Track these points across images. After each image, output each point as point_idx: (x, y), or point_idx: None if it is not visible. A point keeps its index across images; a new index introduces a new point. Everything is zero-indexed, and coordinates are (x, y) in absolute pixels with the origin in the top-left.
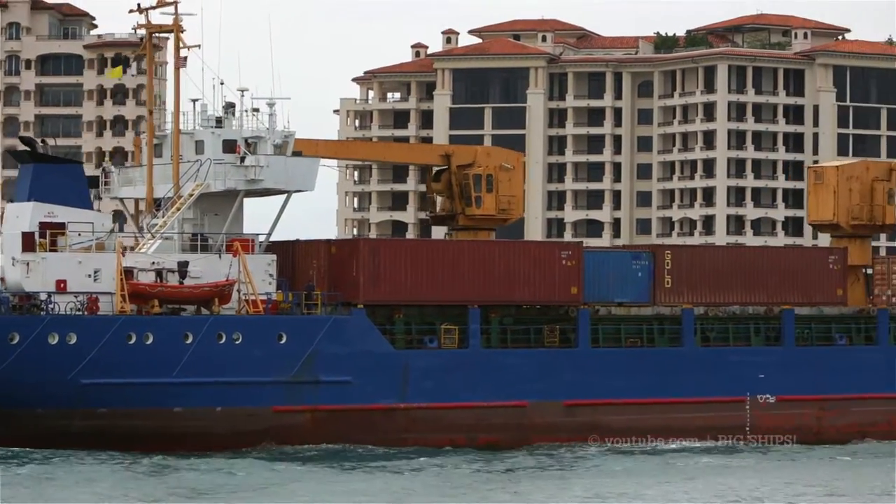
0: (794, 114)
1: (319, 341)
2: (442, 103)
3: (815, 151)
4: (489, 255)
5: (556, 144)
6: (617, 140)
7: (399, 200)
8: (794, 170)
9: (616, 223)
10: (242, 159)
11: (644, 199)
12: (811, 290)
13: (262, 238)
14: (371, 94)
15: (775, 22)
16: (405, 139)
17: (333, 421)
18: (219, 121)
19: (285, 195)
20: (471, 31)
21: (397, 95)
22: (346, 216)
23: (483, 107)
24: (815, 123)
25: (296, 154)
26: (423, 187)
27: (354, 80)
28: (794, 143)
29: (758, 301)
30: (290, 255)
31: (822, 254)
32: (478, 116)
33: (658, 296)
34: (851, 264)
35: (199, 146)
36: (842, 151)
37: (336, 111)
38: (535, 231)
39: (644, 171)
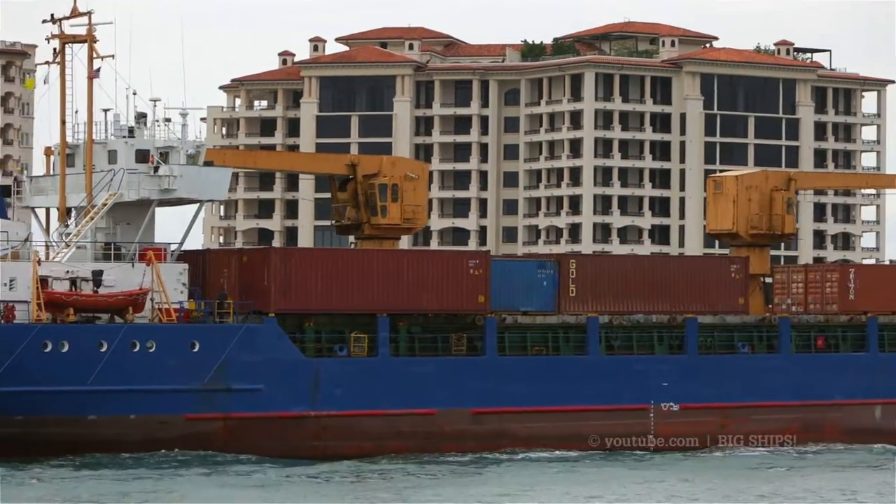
0: (661, 122)
1: (231, 350)
2: (308, 111)
3: (682, 160)
4: (398, 263)
5: (422, 152)
6: (483, 148)
7: (265, 208)
8: (661, 178)
9: (482, 231)
10: (156, 169)
11: (510, 207)
12: (713, 299)
13: (173, 247)
14: (238, 101)
15: (643, 30)
16: (271, 147)
17: (245, 429)
18: (131, 131)
19: (197, 204)
20: (338, 39)
21: (264, 103)
22: (212, 224)
23: (350, 115)
24: (683, 132)
25: (207, 164)
26: (289, 195)
27: (221, 87)
28: (661, 151)
29: (661, 310)
30: (200, 264)
31: (724, 263)
32: (344, 124)
33: (563, 304)
34: (752, 273)
35: (112, 156)
36: (709, 160)
37: (203, 119)
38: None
39: (510, 180)
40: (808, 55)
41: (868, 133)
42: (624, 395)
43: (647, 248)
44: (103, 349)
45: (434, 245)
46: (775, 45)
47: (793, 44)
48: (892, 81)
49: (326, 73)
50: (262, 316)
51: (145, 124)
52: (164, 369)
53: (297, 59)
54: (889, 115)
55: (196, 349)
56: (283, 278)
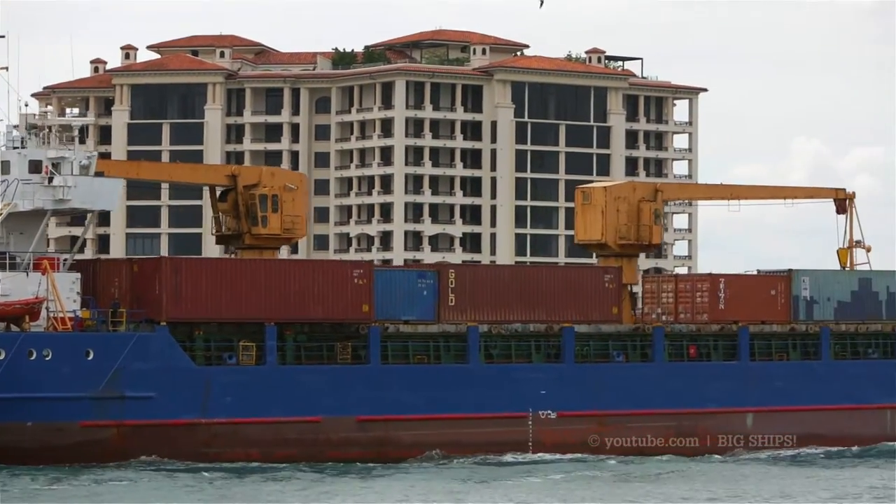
0: (472, 130)
1: (125, 358)
2: (120, 119)
3: (493, 167)
4: (285, 273)
5: (233, 160)
6: (294, 156)
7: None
8: (472, 186)
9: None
10: (50, 179)
11: (322, 215)
12: (588, 309)
13: (65, 257)
14: (49, 109)
15: (454, 38)
16: None
17: (138, 436)
18: (23, 141)
19: (90, 214)
20: (149, 47)
21: (76, 111)
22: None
23: (161, 122)
24: (494, 139)
25: (98, 174)
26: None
27: (33, 95)
28: (472, 159)
29: (538, 319)
30: (91, 274)
31: (598, 273)
32: (156, 132)
33: (442, 314)
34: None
35: (5, 166)
36: (520, 168)
37: (16, 126)
38: (212, 249)
39: (321, 187)
40: (620, 63)
41: (680, 141)
42: (503, 403)
43: (458, 256)
44: (0, 357)
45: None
46: (586, 53)
47: (604, 52)
48: (704, 90)
49: (138, 81)
50: (153, 324)
51: (37, 135)
52: (59, 377)
53: (108, 66)
54: (700, 123)
55: (90, 357)
56: (174, 287)
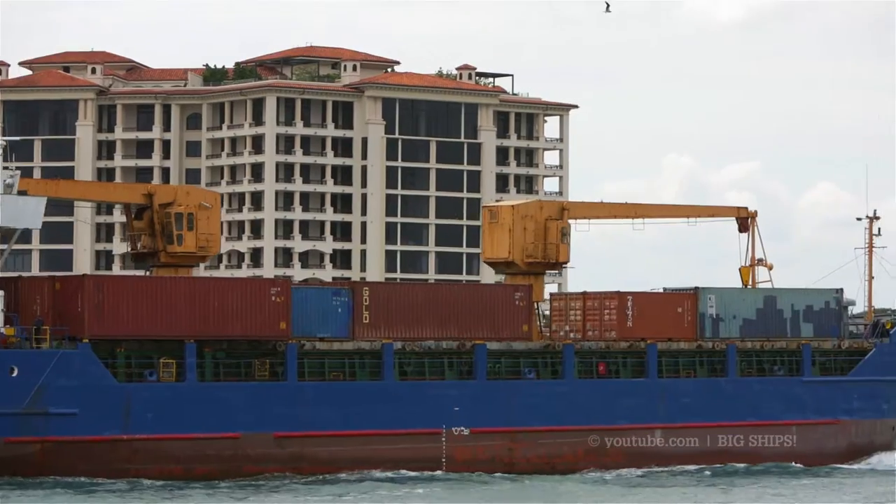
0: (343, 146)
1: (48, 375)
2: None
3: (364, 184)
4: (204, 291)
5: (104, 176)
6: (165, 172)
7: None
8: (343, 202)
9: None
10: None
11: None
12: (499, 326)
13: None
14: None
15: (325, 54)
16: None
17: (61, 452)
18: None
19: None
20: (21, 63)
21: None
22: None
23: (33, 139)
24: (364, 156)
25: (21, 193)
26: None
27: None
28: (343, 175)
29: (451, 336)
30: (13, 291)
31: (509, 291)
32: (27, 149)
33: (357, 331)
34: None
35: None
36: (390, 184)
37: None
38: (84, 265)
39: None
40: (491, 80)
41: (550, 158)
42: (417, 420)
43: (328, 272)
44: None
45: (116, 270)
46: (457, 69)
47: (475, 68)
48: (575, 106)
49: (9, 98)
50: (76, 342)
51: None
52: None
53: None
54: (571, 139)
55: (15, 374)
56: (96, 305)
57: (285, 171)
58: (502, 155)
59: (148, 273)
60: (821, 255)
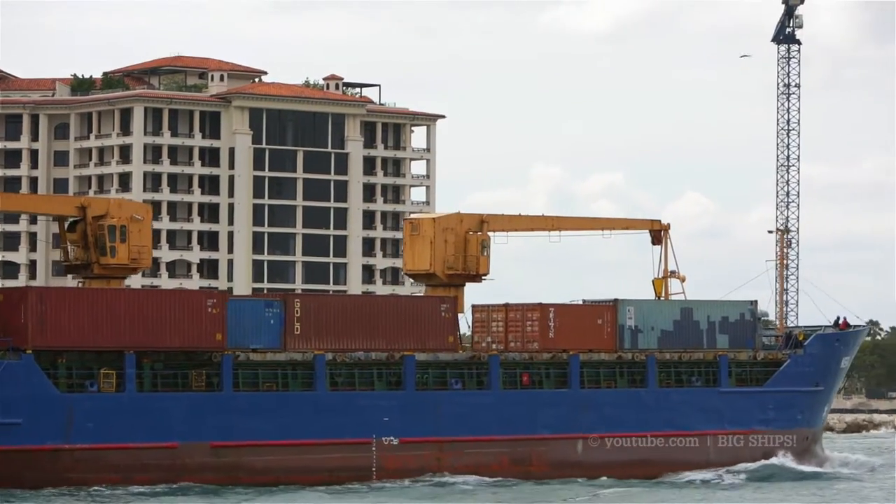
0: (210, 156)
1: None
2: None
3: (231, 194)
4: (143, 302)
5: None
6: (34, 182)
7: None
8: (210, 212)
9: (32, 265)
10: None
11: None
12: (426, 337)
13: None
14: None
15: (192, 64)
16: None
17: (6, 461)
18: None
19: None
20: None
21: None
22: None
23: None
24: (231, 166)
25: None
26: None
27: None
28: (210, 185)
29: (380, 347)
30: None
31: (436, 302)
32: None
33: (288, 342)
34: None
35: None
36: (258, 194)
37: None
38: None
39: None
40: (358, 90)
41: (417, 168)
42: (349, 430)
43: (195, 282)
44: None
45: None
46: (324, 79)
47: (342, 79)
48: (442, 116)
49: None
50: (19, 352)
51: None
52: None
53: None
54: (438, 149)
55: None
56: (39, 316)
57: (153, 181)
58: (369, 165)
59: (80, 284)
60: (690, 265)
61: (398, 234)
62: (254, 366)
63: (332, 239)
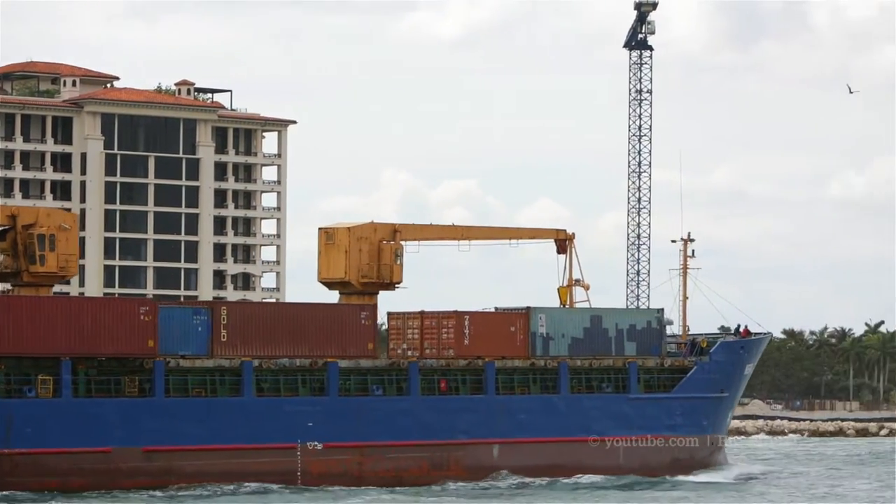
0: (62, 162)
1: None
2: None
3: (83, 199)
4: (79, 310)
5: None
6: None
7: None
8: None
9: None
10: None
11: None
12: (346, 344)
13: None
14: None
15: (44, 69)
16: None
17: None
18: None
19: None
20: None
21: None
22: None
23: None
24: (83, 171)
25: None
26: None
27: None
28: (62, 191)
29: (303, 354)
30: None
31: (356, 310)
32: None
33: (216, 349)
34: None
35: None
36: (109, 199)
37: None
38: None
39: None
40: (209, 95)
41: (268, 173)
42: (275, 435)
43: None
44: None
45: None
46: (176, 85)
47: (193, 84)
48: (293, 122)
49: None
50: None
51: None
52: None
53: None
54: (289, 155)
55: None
56: None
57: (5, 186)
58: (220, 170)
59: (9, 292)
60: (539, 269)
61: (249, 240)
62: (184, 372)
63: (183, 244)
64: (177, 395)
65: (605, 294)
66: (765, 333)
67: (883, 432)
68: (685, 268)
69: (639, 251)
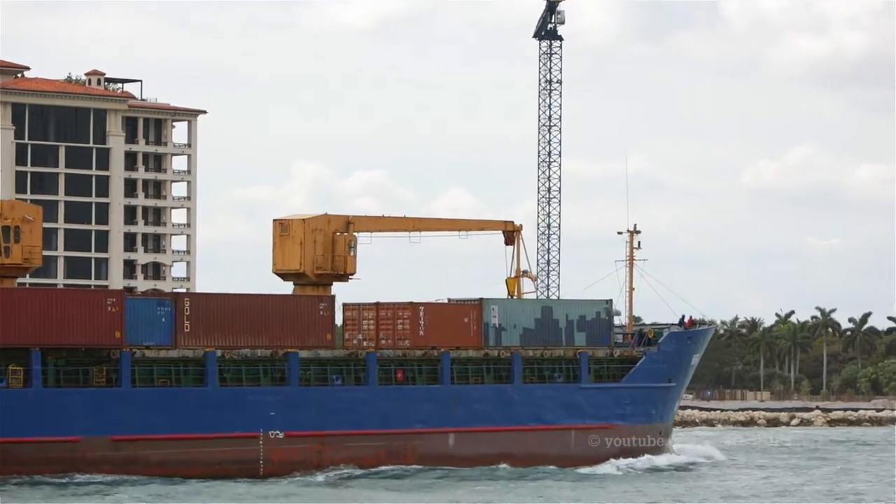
0: None
1: None
2: None
3: None
4: (48, 301)
5: None
6: None
7: None
8: None
9: None
10: None
11: None
12: (305, 335)
13: None
14: None
15: None
16: None
17: None
18: None
19: None
20: None
21: None
22: None
23: None
24: None
25: None
26: None
27: None
28: None
29: (263, 344)
30: None
31: (314, 301)
32: None
33: (179, 339)
34: None
35: None
36: (20, 189)
37: None
38: None
39: None
40: (119, 85)
41: (179, 163)
42: (238, 424)
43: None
44: None
45: None
46: (86, 75)
47: (104, 74)
48: (203, 112)
49: None
50: None
51: None
52: None
53: None
54: (200, 144)
55: None
56: None
57: None
58: (131, 160)
59: None
60: (454, 261)
61: (160, 230)
62: (149, 362)
63: (93, 234)
64: (143, 385)
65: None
66: (712, 324)
67: (794, 422)
68: (631, 259)
69: (549, 240)
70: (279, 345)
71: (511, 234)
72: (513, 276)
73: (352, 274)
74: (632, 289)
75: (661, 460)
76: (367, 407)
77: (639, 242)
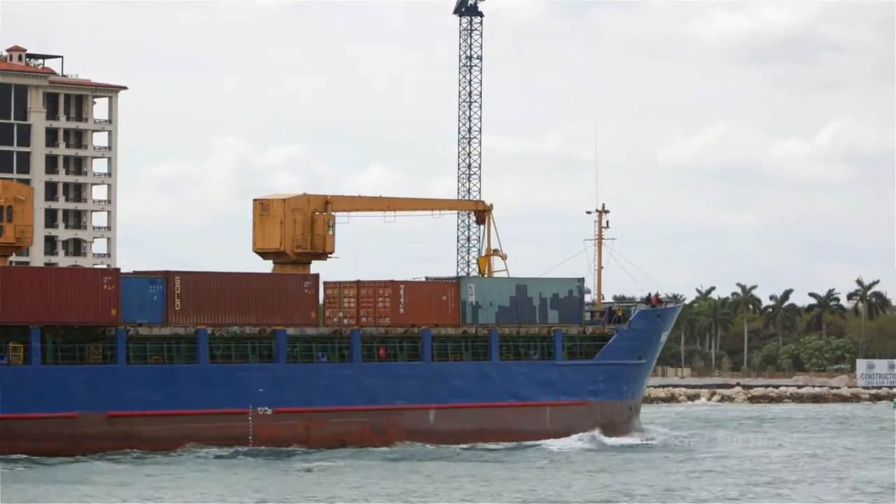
0: None
1: None
2: None
3: None
4: (47, 280)
5: None
6: None
7: None
8: None
9: None
10: None
11: None
12: (291, 313)
13: None
14: None
15: None
16: None
17: None
18: None
19: None
20: None
21: None
22: None
23: None
24: None
25: None
26: None
27: None
28: None
29: (251, 322)
30: None
31: (299, 280)
32: None
33: (170, 317)
34: None
35: None
36: None
37: None
38: None
39: None
40: (41, 61)
41: (99, 139)
42: (228, 400)
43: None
44: None
45: None
46: (7, 51)
47: (25, 50)
48: (124, 88)
49: None
50: None
51: None
52: None
53: None
54: (120, 120)
55: None
56: None
57: None
58: (52, 136)
59: None
60: (367, 238)
61: (81, 206)
62: (143, 340)
63: None
64: (137, 362)
65: (440, 262)
66: (680, 302)
67: (715, 399)
68: (600, 238)
69: (469, 217)
70: (266, 322)
71: (482, 213)
72: (484, 255)
73: (330, 252)
74: (600, 267)
75: (630, 435)
76: (352, 384)
77: (607, 221)
